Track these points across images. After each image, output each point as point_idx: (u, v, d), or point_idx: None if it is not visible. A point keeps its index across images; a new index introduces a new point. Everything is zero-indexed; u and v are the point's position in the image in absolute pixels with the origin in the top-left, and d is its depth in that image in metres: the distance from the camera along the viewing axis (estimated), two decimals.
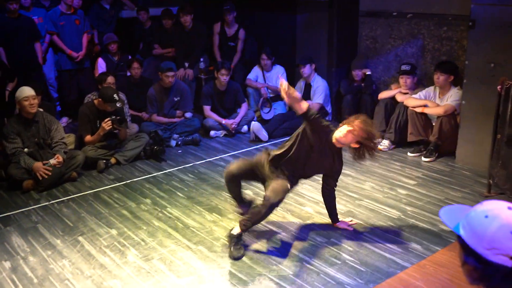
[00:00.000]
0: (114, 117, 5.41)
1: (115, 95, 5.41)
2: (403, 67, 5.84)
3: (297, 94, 3.64)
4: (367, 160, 3.81)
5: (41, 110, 5.15)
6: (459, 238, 1.60)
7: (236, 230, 3.64)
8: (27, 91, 4.93)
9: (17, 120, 5.01)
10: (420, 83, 6.00)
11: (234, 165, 3.88)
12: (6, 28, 6.19)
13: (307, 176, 4.00)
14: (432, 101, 5.55)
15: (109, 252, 3.73)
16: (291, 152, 3.74)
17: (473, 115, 5.16)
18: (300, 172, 3.84)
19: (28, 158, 4.89)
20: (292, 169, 3.77)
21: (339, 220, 4.03)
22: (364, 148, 3.59)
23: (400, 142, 5.85)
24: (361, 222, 4.12)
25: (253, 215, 3.61)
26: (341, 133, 3.58)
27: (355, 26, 6.81)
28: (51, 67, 7.01)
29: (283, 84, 3.53)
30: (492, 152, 4.57)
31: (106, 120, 5.38)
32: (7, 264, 3.59)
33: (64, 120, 6.85)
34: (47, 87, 6.96)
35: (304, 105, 3.61)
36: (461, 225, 1.60)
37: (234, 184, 3.98)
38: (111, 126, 5.40)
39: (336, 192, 4.69)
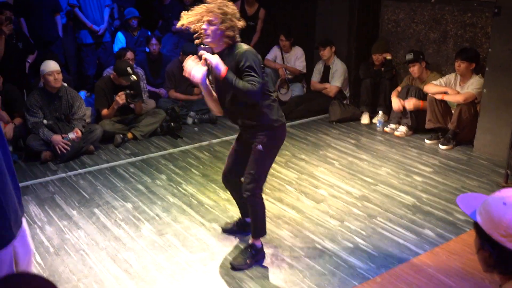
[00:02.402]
0: (128, 91, 5.43)
1: (128, 68, 5.41)
2: (407, 56, 5.76)
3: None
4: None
5: (65, 84, 5.17)
6: (476, 225, 1.59)
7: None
8: (52, 66, 4.94)
9: (41, 94, 5.03)
10: (437, 68, 5.90)
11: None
12: (28, 0, 6.20)
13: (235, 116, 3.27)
14: (452, 88, 5.47)
15: (124, 225, 3.78)
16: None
17: (493, 104, 5.09)
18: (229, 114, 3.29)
19: (47, 130, 4.94)
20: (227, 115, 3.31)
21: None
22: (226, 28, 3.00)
23: (417, 129, 5.80)
24: (375, 207, 4.11)
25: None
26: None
27: (377, 9, 6.71)
28: (71, 40, 7.03)
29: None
30: (511, 142, 4.51)
31: (120, 93, 5.40)
32: None
33: (82, 93, 6.88)
34: (67, 60, 7.00)
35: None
36: (478, 212, 1.59)
37: (231, 186, 3.50)
38: (124, 100, 5.42)
39: (351, 176, 4.70)
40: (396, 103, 5.80)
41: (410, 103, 5.65)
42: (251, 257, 3.28)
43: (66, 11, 6.76)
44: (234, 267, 3.25)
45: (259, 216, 3.29)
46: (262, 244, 3.37)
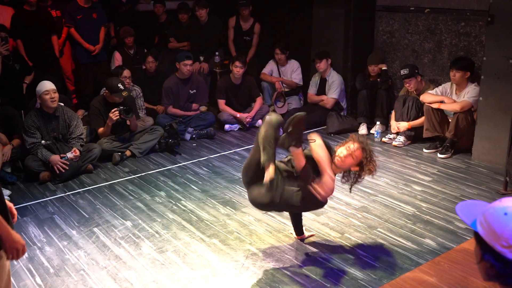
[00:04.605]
0: (121, 107, 5.44)
1: (119, 85, 5.43)
2: (402, 72, 5.78)
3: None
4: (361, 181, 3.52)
5: (61, 104, 5.18)
6: (476, 235, 1.58)
7: None
8: (47, 85, 4.96)
9: (38, 115, 5.04)
10: (433, 77, 5.94)
11: None
12: (24, 21, 6.23)
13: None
14: (449, 97, 5.50)
15: (124, 244, 3.76)
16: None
17: (490, 111, 5.11)
18: None
19: (46, 151, 4.94)
20: None
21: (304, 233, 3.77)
22: (364, 170, 3.37)
23: (415, 138, 5.81)
24: (376, 218, 4.11)
25: None
26: (340, 156, 3.33)
27: (372, 20, 6.76)
28: (68, 60, 7.06)
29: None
30: (509, 149, 4.52)
31: (113, 110, 5.41)
32: (24, 254, 3.63)
33: (80, 112, 6.90)
34: (64, 80, 7.02)
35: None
36: (478, 222, 1.58)
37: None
38: (118, 117, 5.42)
39: None
40: (392, 126, 5.94)
41: (401, 127, 5.80)
42: None
43: (62, 31, 6.78)
44: None
45: None
46: None
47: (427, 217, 4.11)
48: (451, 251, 3.58)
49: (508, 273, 1.50)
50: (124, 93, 5.43)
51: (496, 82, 5.00)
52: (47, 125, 5.05)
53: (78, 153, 5.01)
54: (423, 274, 3.30)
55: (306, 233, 3.81)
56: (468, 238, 3.72)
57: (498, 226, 1.49)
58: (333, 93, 6.54)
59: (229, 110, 6.62)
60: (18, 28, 6.22)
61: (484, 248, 1.54)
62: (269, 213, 4.20)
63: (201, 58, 7.27)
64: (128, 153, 5.58)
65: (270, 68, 7.22)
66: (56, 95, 5.00)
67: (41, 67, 6.30)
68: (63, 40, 6.84)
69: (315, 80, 6.78)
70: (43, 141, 5.00)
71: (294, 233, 3.80)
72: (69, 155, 4.96)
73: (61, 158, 4.92)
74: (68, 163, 4.93)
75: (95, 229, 4.00)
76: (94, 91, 6.89)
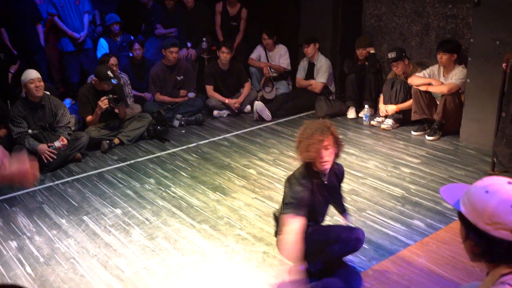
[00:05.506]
0: (111, 96, 5.39)
1: (109, 72, 5.37)
2: (389, 55, 5.77)
3: None
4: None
5: (47, 93, 5.13)
6: (460, 215, 1.60)
7: None
8: (32, 74, 4.90)
9: (24, 104, 4.98)
10: (421, 60, 5.95)
11: None
12: (8, 10, 6.14)
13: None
14: (436, 79, 5.51)
15: (114, 231, 3.76)
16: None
17: (477, 93, 5.13)
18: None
19: (33, 140, 4.89)
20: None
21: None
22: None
23: (403, 121, 5.83)
24: (365, 201, 4.13)
25: None
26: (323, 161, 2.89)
27: (360, 4, 6.74)
28: (53, 48, 6.98)
29: None
30: (496, 131, 4.55)
31: (102, 98, 5.37)
32: (14, 244, 3.63)
33: (67, 101, 6.84)
34: (50, 69, 6.95)
35: None
36: (461, 202, 1.59)
37: None
38: (107, 105, 5.38)
39: None
40: (381, 109, 5.94)
41: (389, 110, 5.81)
42: None
43: (46, 20, 6.70)
44: None
45: None
46: None
47: (416, 198, 4.14)
48: (439, 231, 3.62)
49: (492, 250, 1.52)
50: (114, 81, 5.37)
51: (483, 64, 5.01)
52: (34, 114, 5.00)
53: (65, 141, 4.98)
54: (412, 255, 3.33)
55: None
56: (456, 218, 3.70)
57: (480, 204, 1.51)
58: (321, 77, 6.53)
59: (218, 96, 6.60)
60: (2, 17, 6.13)
61: (468, 227, 1.56)
62: (259, 197, 4.21)
63: (188, 44, 7.21)
64: (116, 141, 5.55)
65: (257, 53, 7.18)
66: (41, 83, 4.94)
67: (26, 56, 6.23)
68: (47, 28, 6.76)
69: (303, 65, 6.76)
70: (29, 131, 4.95)
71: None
72: (57, 144, 4.92)
73: (49, 147, 4.89)
74: (56, 152, 4.89)
75: (85, 218, 3.99)
76: (80, 79, 6.83)
